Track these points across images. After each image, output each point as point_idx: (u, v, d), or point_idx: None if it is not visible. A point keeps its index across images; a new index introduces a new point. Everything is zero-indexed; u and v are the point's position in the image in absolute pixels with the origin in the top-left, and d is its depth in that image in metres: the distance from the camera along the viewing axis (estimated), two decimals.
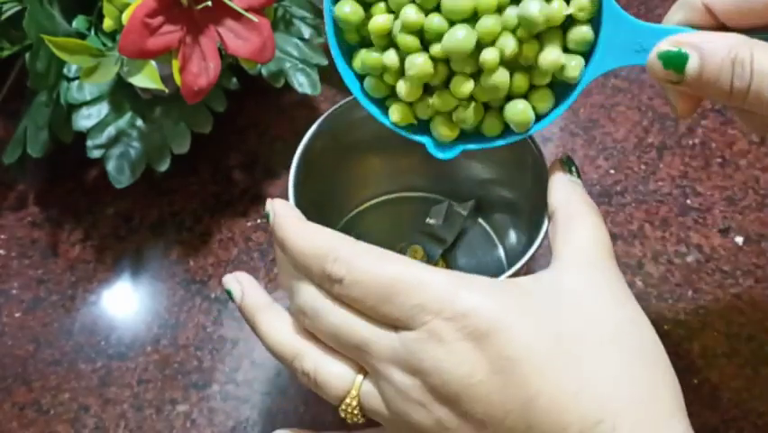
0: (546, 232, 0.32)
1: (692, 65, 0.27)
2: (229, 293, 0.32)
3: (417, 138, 0.32)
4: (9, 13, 0.44)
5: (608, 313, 0.26)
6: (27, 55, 0.42)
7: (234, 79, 0.47)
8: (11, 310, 0.47)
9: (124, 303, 0.47)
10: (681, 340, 0.43)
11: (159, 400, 0.43)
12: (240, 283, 0.32)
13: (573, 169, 0.32)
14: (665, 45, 0.27)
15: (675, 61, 0.27)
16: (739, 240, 0.46)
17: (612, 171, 0.49)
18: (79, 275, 0.48)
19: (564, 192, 0.30)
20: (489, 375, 0.24)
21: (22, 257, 0.49)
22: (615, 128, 0.50)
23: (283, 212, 0.29)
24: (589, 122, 0.51)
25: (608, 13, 0.29)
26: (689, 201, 0.47)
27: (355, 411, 0.28)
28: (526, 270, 0.33)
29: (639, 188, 0.48)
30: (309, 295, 0.28)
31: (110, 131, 0.47)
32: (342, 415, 0.28)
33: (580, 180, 0.31)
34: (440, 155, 0.32)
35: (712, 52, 0.26)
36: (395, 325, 0.26)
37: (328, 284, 0.27)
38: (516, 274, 0.32)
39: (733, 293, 0.44)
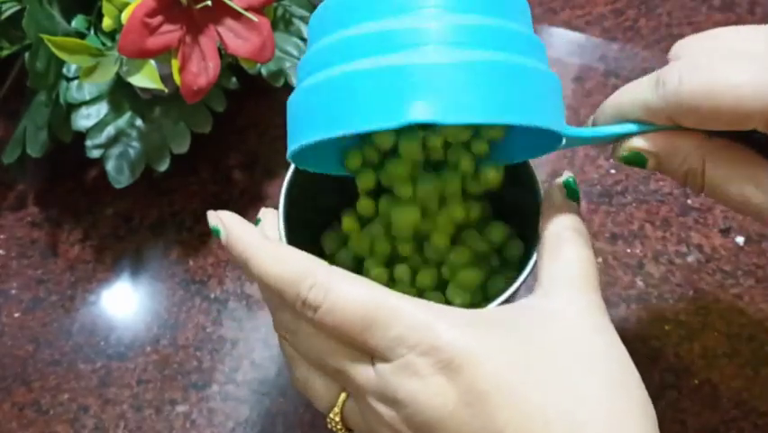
0: (534, 257, 0.32)
1: (651, 165, 0.28)
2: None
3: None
4: (9, 12, 0.44)
5: (587, 343, 0.26)
6: (27, 55, 0.42)
7: (234, 79, 0.47)
8: (10, 310, 0.47)
9: (124, 303, 0.47)
10: (681, 340, 0.43)
11: (158, 400, 0.43)
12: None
13: (573, 190, 0.31)
14: (624, 151, 0.28)
15: (636, 162, 0.28)
16: (740, 240, 0.46)
17: (613, 171, 0.49)
18: (79, 275, 0.48)
19: (556, 215, 0.30)
20: (460, 408, 0.24)
21: (22, 257, 0.49)
22: None
23: (240, 228, 0.28)
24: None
25: (565, 135, 0.28)
26: (689, 201, 0.47)
27: (338, 426, 0.28)
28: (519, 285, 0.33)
29: (640, 187, 0.48)
30: (288, 316, 0.28)
31: (109, 131, 0.46)
32: (330, 426, 0.29)
33: (577, 204, 0.31)
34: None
35: (667, 160, 0.28)
36: (371, 354, 0.26)
37: (303, 310, 0.26)
38: (508, 300, 0.32)
39: (733, 293, 0.44)
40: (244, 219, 0.29)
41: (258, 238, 0.27)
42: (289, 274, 0.26)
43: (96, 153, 0.46)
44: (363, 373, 0.26)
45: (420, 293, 0.36)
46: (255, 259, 0.27)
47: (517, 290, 0.32)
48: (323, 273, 0.26)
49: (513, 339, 0.25)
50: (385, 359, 0.25)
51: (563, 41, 0.55)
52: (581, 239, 0.29)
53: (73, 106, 0.46)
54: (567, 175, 0.31)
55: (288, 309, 0.27)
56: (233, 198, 0.50)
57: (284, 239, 0.34)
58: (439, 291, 0.36)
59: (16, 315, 0.47)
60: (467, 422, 0.24)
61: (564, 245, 0.28)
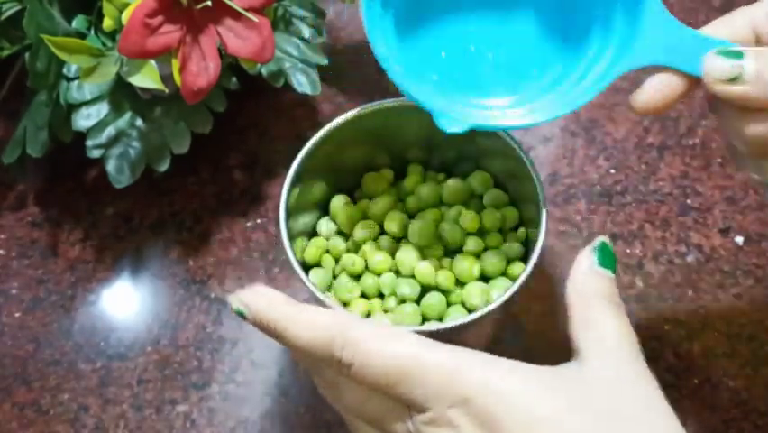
0: (535, 258, 0.32)
1: (749, 64, 0.27)
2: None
3: (428, 108, 0.31)
4: (9, 12, 0.44)
5: (633, 409, 0.25)
6: (27, 55, 0.42)
7: (234, 79, 0.47)
8: (11, 310, 0.47)
9: (124, 303, 0.47)
10: (681, 340, 0.43)
11: (158, 400, 0.43)
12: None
13: (606, 256, 0.29)
14: (721, 48, 0.28)
15: (733, 56, 0.27)
16: (739, 240, 0.46)
17: (612, 171, 0.49)
18: (79, 275, 0.48)
19: (582, 282, 0.29)
20: None
21: (22, 257, 0.49)
22: (615, 128, 0.50)
23: (262, 304, 0.28)
24: (590, 122, 0.51)
25: (657, 16, 0.28)
26: (689, 201, 0.47)
27: None
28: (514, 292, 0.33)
29: (639, 187, 0.48)
30: (325, 374, 0.29)
31: (110, 131, 0.46)
32: None
33: (611, 272, 0.29)
34: (446, 129, 0.31)
35: (765, 55, 0.27)
36: (407, 404, 0.27)
37: (338, 368, 0.27)
38: (509, 300, 0.32)
39: (733, 293, 0.44)
40: (265, 290, 0.29)
41: (281, 309, 0.28)
42: (321, 338, 0.27)
43: (96, 153, 0.46)
44: (401, 423, 0.27)
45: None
46: (285, 331, 0.28)
47: (518, 290, 0.32)
48: (352, 332, 0.26)
49: (546, 396, 0.25)
50: (420, 410, 0.26)
51: None
52: (611, 303, 0.28)
53: (73, 106, 0.46)
54: (601, 239, 0.30)
55: (324, 367, 0.28)
56: (234, 198, 0.50)
57: (285, 240, 0.34)
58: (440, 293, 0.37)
59: (16, 315, 0.47)
60: None
61: (596, 310, 0.28)
